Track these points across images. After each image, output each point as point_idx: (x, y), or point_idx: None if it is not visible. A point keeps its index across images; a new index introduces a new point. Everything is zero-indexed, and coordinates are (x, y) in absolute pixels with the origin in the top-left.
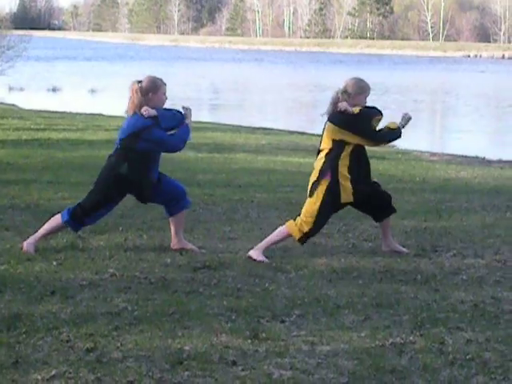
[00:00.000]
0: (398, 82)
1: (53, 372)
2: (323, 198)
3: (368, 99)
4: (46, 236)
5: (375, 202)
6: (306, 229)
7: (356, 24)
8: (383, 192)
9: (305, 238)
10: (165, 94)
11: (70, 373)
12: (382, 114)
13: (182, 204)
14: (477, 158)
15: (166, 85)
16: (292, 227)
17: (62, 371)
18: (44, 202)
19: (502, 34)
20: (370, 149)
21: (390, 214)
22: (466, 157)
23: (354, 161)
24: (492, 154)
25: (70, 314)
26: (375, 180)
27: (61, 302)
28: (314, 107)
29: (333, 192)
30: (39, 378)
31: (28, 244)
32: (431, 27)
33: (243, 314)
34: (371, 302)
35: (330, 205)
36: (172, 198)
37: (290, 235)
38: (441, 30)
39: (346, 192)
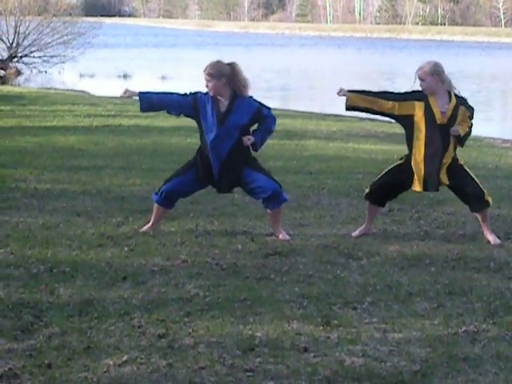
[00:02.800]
0: (467, 68)
1: (124, 357)
2: None
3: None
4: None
5: None
6: None
7: (427, 10)
8: None
9: None
10: (206, 82)
11: (142, 358)
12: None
13: None
14: None
15: (205, 73)
16: None
17: (133, 357)
18: (115, 188)
19: None
20: None
21: None
22: None
23: None
24: None
25: (142, 299)
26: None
27: (132, 288)
28: None
29: None
30: (111, 363)
31: None
32: (503, 13)
33: (315, 300)
34: (444, 289)
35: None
36: None
37: None
38: None
39: None
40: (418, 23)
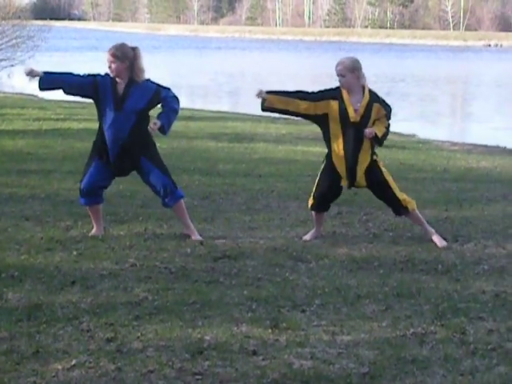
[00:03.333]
0: (418, 71)
1: (73, 361)
2: None
3: (384, 89)
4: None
5: None
6: None
7: (376, 13)
8: None
9: None
10: (108, 63)
11: (90, 362)
12: None
13: None
14: (498, 147)
15: (109, 53)
16: None
17: (82, 361)
18: (64, 192)
19: None
20: (389, 138)
21: None
22: (487, 146)
23: None
24: None
25: (91, 303)
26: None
27: (81, 292)
28: None
29: None
30: (59, 367)
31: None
32: (451, 17)
33: (263, 303)
34: (392, 291)
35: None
36: None
37: None
38: (461, 20)
39: None
40: (367, 26)
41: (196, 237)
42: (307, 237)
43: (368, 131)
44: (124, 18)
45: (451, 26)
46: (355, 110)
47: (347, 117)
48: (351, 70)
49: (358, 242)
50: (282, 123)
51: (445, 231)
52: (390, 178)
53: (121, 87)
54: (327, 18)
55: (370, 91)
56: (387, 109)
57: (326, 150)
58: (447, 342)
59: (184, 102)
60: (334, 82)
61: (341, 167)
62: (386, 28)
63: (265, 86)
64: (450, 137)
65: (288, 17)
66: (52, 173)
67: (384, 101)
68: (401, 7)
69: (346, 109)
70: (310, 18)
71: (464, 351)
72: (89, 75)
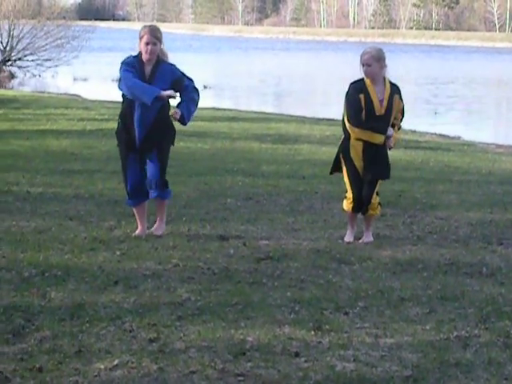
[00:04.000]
0: (464, 73)
1: (115, 361)
2: None
3: (431, 90)
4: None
5: None
6: None
7: (421, 15)
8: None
9: None
10: (147, 43)
11: (133, 362)
12: None
13: None
14: None
15: (148, 32)
16: None
17: (124, 361)
18: (108, 192)
19: None
20: (434, 140)
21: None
22: None
23: None
24: None
25: (133, 303)
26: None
27: (124, 292)
28: None
29: None
30: (102, 367)
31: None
32: (497, 18)
33: (306, 305)
34: (436, 294)
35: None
36: None
37: None
38: (507, 21)
39: None
40: (412, 28)
41: (156, 232)
42: (350, 238)
43: (391, 145)
44: (168, 18)
45: (497, 27)
46: (380, 102)
47: (373, 109)
48: (377, 60)
49: (402, 244)
50: (326, 124)
51: (489, 234)
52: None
53: (148, 69)
54: (372, 19)
55: (391, 82)
56: (403, 104)
57: None
58: (491, 346)
59: (228, 103)
60: None
61: (358, 162)
62: (431, 29)
63: (309, 88)
64: (496, 139)
65: (332, 18)
66: (96, 173)
67: (400, 93)
68: (446, 8)
69: (372, 101)
70: (354, 19)
71: (508, 355)
72: (126, 65)
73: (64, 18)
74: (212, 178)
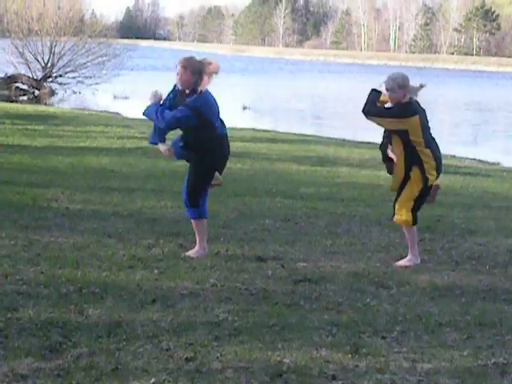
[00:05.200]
0: (504, 99)
1: (152, 380)
2: None
3: (475, 118)
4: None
5: None
6: None
7: (462, 40)
8: None
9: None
10: (177, 73)
11: (169, 381)
12: None
13: None
14: None
15: (180, 64)
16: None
17: (161, 379)
18: (146, 210)
19: None
20: (473, 166)
21: None
22: None
23: None
24: None
25: (171, 322)
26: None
27: (161, 311)
28: None
29: None
30: None
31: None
32: None
33: (344, 328)
34: (474, 320)
35: None
36: None
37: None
38: None
39: None
40: (453, 53)
41: (193, 254)
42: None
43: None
44: (209, 38)
45: None
46: None
47: None
48: (402, 86)
49: (441, 269)
50: (365, 148)
51: None
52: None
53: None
54: (413, 43)
55: None
56: None
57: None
58: None
59: (267, 125)
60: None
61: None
62: (472, 55)
63: (349, 110)
64: None
65: (373, 41)
66: (135, 191)
67: None
68: (487, 34)
69: None
70: (395, 43)
71: None
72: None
73: (105, 35)
74: (251, 198)
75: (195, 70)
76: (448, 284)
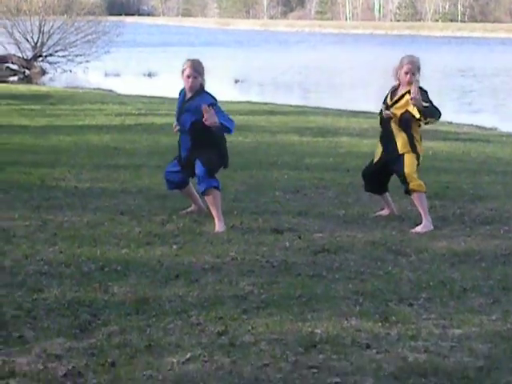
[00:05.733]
0: (488, 64)
1: (187, 355)
2: None
3: (462, 81)
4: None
5: None
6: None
7: (447, 7)
8: None
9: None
10: (188, 76)
11: (205, 356)
12: None
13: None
14: None
15: (186, 65)
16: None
17: (196, 354)
18: (155, 187)
19: None
20: (472, 131)
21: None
22: None
23: None
24: None
25: (197, 297)
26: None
27: (186, 286)
28: None
29: None
30: (174, 361)
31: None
32: None
33: (370, 297)
34: (497, 285)
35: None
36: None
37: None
38: None
39: None
40: (437, 20)
41: (219, 228)
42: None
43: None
44: (193, 13)
45: None
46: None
47: None
48: (419, 70)
49: (456, 235)
50: (363, 117)
51: None
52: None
53: (188, 96)
54: (397, 11)
55: None
56: None
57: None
58: None
59: (260, 97)
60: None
61: None
62: (457, 21)
63: (341, 81)
64: None
65: (358, 11)
66: (141, 167)
67: None
68: (471, 0)
69: None
70: (380, 11)
71: None
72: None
73: (94, 13)
74: (258, 171)
75: (203, 74)
76: (466, 249)
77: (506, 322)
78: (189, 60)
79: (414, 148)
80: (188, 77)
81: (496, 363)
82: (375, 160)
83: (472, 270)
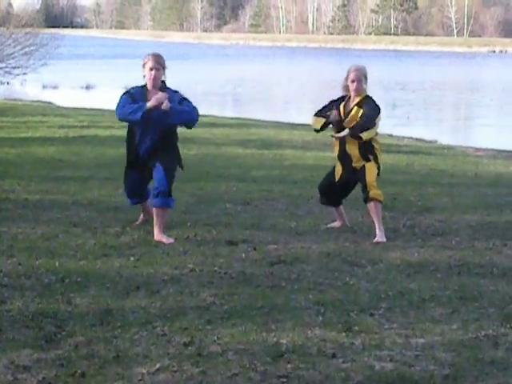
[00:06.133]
0: (424, 77)
1: (157, 365)
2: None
3: (398, 95)
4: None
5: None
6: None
7: (380, 20)
8: None
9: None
10: (151, 68)
11: (174, 366)
12: None
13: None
14: None
15: (148, 58)
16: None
17: (165, 364)
18: (105, 199)
19: None
20: (413, 144)
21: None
22: (510, 152)
23: None
24: None
25: (160, 308)
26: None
27: (148, 297)
28: None
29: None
30: (144, 371)
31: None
32: (455, 23)
33: (331, 307)
34: (455, 295)
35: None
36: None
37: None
38: (465, 26)
39: None
40: (370, 33)
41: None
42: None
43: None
44: (127, 25)
45: (455, 32)
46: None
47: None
48: (366, 78)
49: (409, 246)
50: (303, 130)
51: (491, 235)
52: None
53: (152, 95)
54: (331, 24)
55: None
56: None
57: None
58: None
59: (201, 110)
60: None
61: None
62: (390, 35)
63: (275, 94)
64: (466, 142)
65: (292, 24)
66: (89, 180)
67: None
68: (404, 14)
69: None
70: (313, 25)
71: None
72: (127, 95)
73: (32, 25)
74: (206, 183)
75: (165, 68)
76: (420, 260)
77: (466, 331)
78: (150, 54)
79: (375, 157)
80: (151, 69)
81: (461, 371)
82: (337, 178)
83: (428, 281)
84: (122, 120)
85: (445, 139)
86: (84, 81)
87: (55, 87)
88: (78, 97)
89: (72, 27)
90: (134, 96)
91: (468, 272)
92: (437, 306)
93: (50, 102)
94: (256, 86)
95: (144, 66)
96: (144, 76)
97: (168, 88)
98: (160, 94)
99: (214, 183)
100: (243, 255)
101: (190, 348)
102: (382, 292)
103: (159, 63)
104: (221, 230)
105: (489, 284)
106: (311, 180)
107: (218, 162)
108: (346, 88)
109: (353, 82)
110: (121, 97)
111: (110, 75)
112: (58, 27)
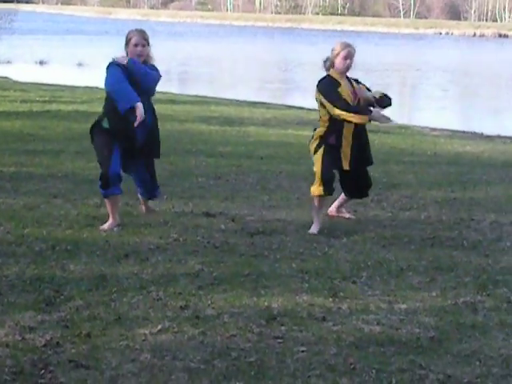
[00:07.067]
0: (374, 58)
1: (158, 327)
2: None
3: (363, 77)
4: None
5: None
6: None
7: (327, 0)
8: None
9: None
10: (136, 44)
11: (174, 327)
12: None
13: None
14: (475, 133)
15: (132, 34)
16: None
17: (166, 326)
18: (80, 172)
19: (472, 11)
20: (372, 123)
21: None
22: (464, 132)
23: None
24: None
25: (152, 274)
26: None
27: (138, 264)
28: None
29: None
30: (146, 332)
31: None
32: (402, 4)
33: (314, 275)
34: (430, 265)
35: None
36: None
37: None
38: (411, 8)
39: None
40: (317, 13)
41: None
42: (315, 230)
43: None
44: (73, 1)
45: (401, 13)
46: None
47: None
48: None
49: (380, 220)
50: (264, 107)
51: (458, 211)
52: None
53: None
54: (278, 4)
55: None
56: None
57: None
58: (497, 310)
59: (160, 87)
60: (296, 66)
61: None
62: (337, 15)
63: (229, 72)
64: (421, 122)
65: (239, 2)
66: (61, 153)
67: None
68: None
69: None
70: (261, 3)
71: None
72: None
73: None
74: (175, 158)
75: (149, 45)
76: (393, 233)
77: (446, 298)
78: (134, 29)
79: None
80: (136, 45)
81: (445, 334)
82: (345, 168)
83: (403, 252)
84: (109, 91)
85: (401, 119)
86: (37, 56)
87: (8, 62)
88: (34, 72)
89: (17, 2)
90: (120, 68)
91: (440, 244)
92: (414, 275)
93: (6, 77)
94: (211, 63)
95: (128, 42)
96: (127, 53)
97: (152, 67)
98: (141, 110)
99: (184, 158)
100: (223, 226)
101: (186, 311)
102: (361, 262)
103: (145, 39)
104: (197, 203)
105: (461, 255)
106: (277, 156)
107: (184, 139)
108: (332, 65)
109: (346, 58)
110: (111, 67)
111: (61, 51)
112: (4, 2)
